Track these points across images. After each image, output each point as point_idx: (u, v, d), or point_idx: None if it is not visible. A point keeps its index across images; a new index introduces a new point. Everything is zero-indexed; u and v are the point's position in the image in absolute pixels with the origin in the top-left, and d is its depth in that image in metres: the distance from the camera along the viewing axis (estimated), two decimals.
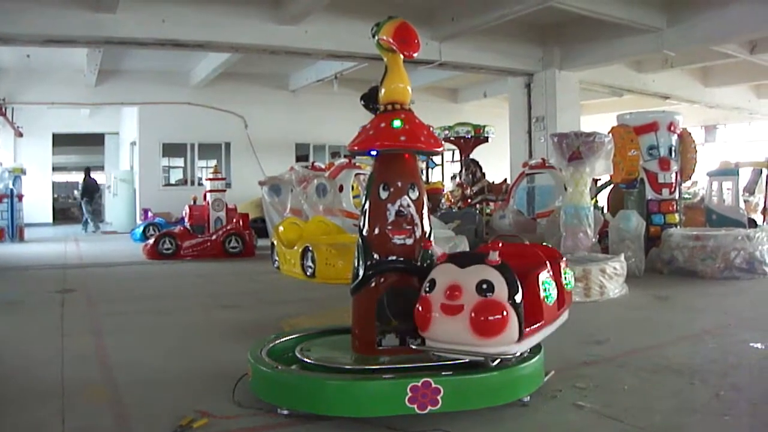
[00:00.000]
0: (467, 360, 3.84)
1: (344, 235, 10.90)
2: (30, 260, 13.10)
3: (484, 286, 3.74)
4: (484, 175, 16.34)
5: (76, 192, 30.31)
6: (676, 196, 11.24)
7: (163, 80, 20.48)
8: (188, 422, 3.68)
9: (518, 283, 3.78)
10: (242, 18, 13.22)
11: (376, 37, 4.28)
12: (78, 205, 23.69)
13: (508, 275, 3.78)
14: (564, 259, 4.66)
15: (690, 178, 12.20)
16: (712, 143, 29.12)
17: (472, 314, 3.68)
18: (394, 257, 4.22)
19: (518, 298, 3.74)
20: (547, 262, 4.31)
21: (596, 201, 12.71)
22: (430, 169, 19.16)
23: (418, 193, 4.28)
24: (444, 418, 3.70)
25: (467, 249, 10.54)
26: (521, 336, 3.74)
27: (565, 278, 4.48)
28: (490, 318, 3.67)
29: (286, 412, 3.81)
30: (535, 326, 3.95)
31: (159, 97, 20.48)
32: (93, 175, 22.97)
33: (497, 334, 3.70)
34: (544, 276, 4.11)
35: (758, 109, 23.72)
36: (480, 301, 3.71)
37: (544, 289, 4.06)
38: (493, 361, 3.80)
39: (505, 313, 3.68)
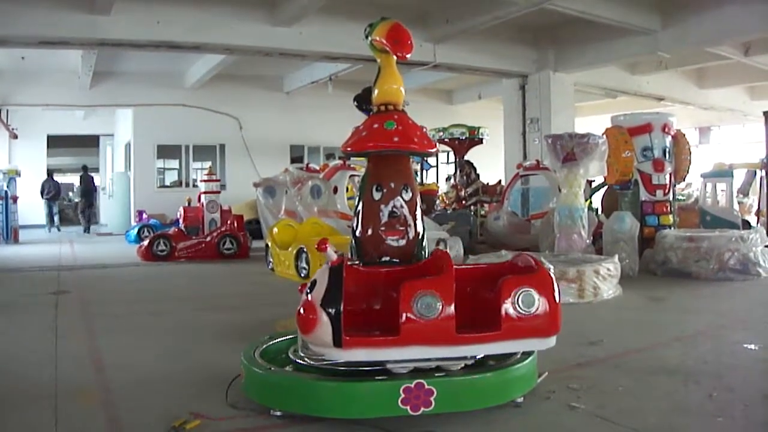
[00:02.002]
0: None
1: (338, 236, 10.89)
2: (24, 262, 13.06)
3: (311, 285, 3.83)
4: (478, 176, 16.34)
5: (70, 193, 30.27)
6: (670, 198, 11.28)
7: (157, 82, 20.44)
8: (181, 424, 3.68)
9: (340, 287, 3.74)
10: (237, 20, 13.21)
11: (369, 38, 4.28)
12: (73, 206, 23.68)
13: (334, 279, 3.78)
14: (541, 282, 4.00)
15: (684, 179, 12.23)
16: (707, 145, 29.16)
17: (299, 311, 3.80)
18: (387, 258, 4.21)
19: (334, 301, 3.70)
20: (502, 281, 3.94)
21: (590, 202, 12.72)
22: (424, 171, 19.15)
23: (411, 194, 4.28)
24: (437, 419, 3.70)
25: (461, 251, 10.58)
26: (339, 342, 3.66)
27: (518, 302, 3.86)
28: (302, 315, 3.76)
29: (279, 413, 3.81)
30: (384, 338, 3.72)
31: (153, 99, 20.44)
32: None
33: (307, 333, 3.77)
34: (426, 292, 3.69)
35: (752, 111, 23.71)
36: (303, 299, 3.81)
37: (421, 306, 3.66)
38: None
39: (312, 315, 3.70)
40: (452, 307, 3.69)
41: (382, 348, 3.73)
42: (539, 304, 3.86)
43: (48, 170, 23.36)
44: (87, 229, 22.09)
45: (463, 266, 4.47)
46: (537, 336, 3.93)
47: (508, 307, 3.81)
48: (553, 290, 3.96)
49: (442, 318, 3.68)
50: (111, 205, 23.21)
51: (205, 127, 21.28)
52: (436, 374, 3.77)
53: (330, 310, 3.69)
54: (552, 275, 4.05)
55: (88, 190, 22.91)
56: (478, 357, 4.01)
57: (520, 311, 3.82)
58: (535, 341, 3.96)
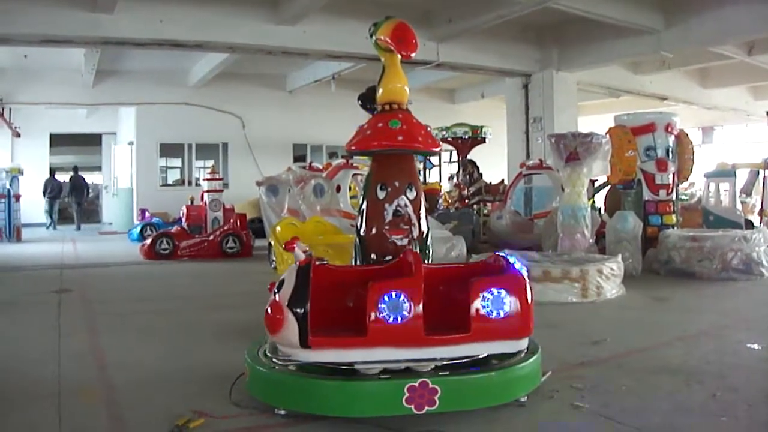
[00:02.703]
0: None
1: (341, 235, 10.89)
2: (27, 260, 13.07)
3: (279, 285, 3.86)
4: (481, 175, 16.35)
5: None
6: (674, 197, 11.26)
7: (160, 80, 20.43)
8: (185, 422, 3.68)
9: (307, 287, 3.76)
10: (240, 18, 13.20)
11: (374, 37, 4.29)
12: (68, 205, 23.85)
13: (301, 279, 3.79)
14: (512, 283, 3.91)
15: (687, 179, 12.21)
16: (710, 144, 29.11)
17: (266, 311, 3.86)
18: (391, 257, 4.21)
19: (300, 302, 3.72)
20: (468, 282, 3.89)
21: (593, 202, 12.71)
22: (427, 170, 19.15)
23: (415, 193, 4.29)
24: (441, 418, 3.70)
25: (464, 250, 10.57)
26: (306, 343, 3.69)
27: (487, 304, 3.81)
28: (269, 316, 3.81)
29: (283, 412, 3.81)
30: (350, 339, 3.76)
31: (156, 98, 20.44)
32: (90, 175, 23.07)
33: (274, 333, 3.82)
34: (392, 293, 3.69)
35: (755, 111, 23.69)
36: (271, 299, 3.84)
37: (390, 305, 3.68)
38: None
39: (279, 315, 3.74)
40: (420, 308, 3.68)
41: (350, 349, 3.75)
42: (509, 305, 3.82)
43: (50, 169, 23.42)
44: (78, 227, 22.57)
45: (438, 266, 4.36)
46: (508, 338, 3.90)
47: (477, 308, 3.78)
48: (525, 291, 3.91)
49: (409, 319, 3.68)
50: (115, 203, 23.23)
51: (208, 126, 21.28)
52: (441, 373, 3.77)
53: (296, 311, 3.72)
54: (525, 276, 4.01)
55: (79, 189, 23.24)
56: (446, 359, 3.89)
57: (490, 313, 3.79)
58: (505, 343, 3.93)
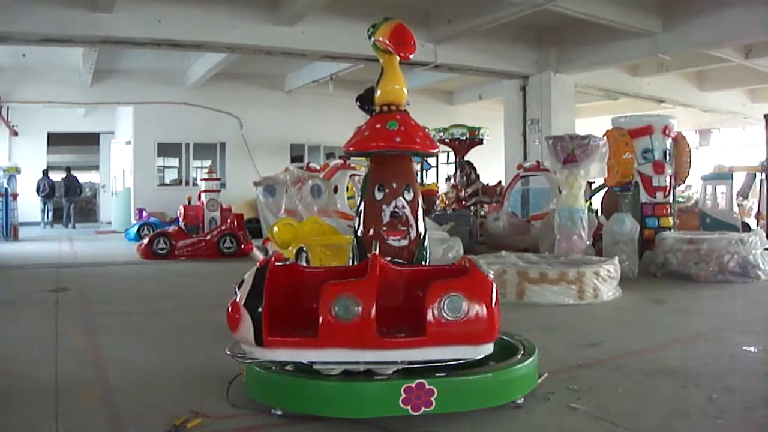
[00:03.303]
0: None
1: (339, 236, 10.88)
2: (24, 259, 13.06)
3: (239, 284, 3.89)
4: (478, 177, 16.35)
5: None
6: (671, 200, 11.28)
7: (158, 80, 20.45)
8: (182, 422, 3.68)
9: (262, 288, 3.79)
10: (238, 19, 13.21)
11: (372, 39, 4.29)
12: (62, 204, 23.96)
13: (258, 279, 3.84)
14: (471, 287, 3.82)
15: (684, 181, 12.22)
16: (707, 147, 29.16)
17: (227, 309, 3.89)
18: (389, 258, 4.22)
19: (256, 301, 3.76)
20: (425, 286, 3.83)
21: (590, 204, 12.73)
22: (424, 171, 19.15)
23: (413, 195, 4.29)
24: (438, 419, 3.70)
25: (461, 251, 10.57)
26: (261, 341, 3.73)
27: (444, 308, 3.71)
28: (228, 314, 3.84)
29: (280, 412, 3.81)
30: (302, 339, 3.78)
31: (154, 97, 20.46)
32: (87, 174, 23.14)
33: (233, 331, 3.85)
34: (345, 294, 3.70)
35: (752, 114, 23.72)
36: (232, 298, 3.87)
37: (339, 308, 3.67)
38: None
39: (237, 314, 3.79)
40: (372, 311, 3.66)
41: (303, 349, 3.77)
42: (468, 309, 3.70)
43: (44, 169, 23.42)
44: (73, 226, 23.09)
45: (404, 268, 4.24)
46: (467, 343, 3.77)
47: (434, 312, 3.69)
48: (487, 295, 3.80)
49: (361, 321, 3.65)
50: (114, 203, 23.26)
51: (206, 126, 21.30)
52: (437, 374, 3.78)
53: (252, 310, 3.75)
54: (489, 279, 3.91)
55: (72, 189, 23.59)
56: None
57: (447, 317, 3.69)
58: (465, 348, 3.78)
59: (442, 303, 3.69)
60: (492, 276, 3.98)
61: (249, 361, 3.93)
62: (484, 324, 3.77)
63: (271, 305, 3.81)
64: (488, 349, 3.87)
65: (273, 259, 4.06)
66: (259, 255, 4.03)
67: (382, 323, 3.71)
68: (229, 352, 4.09)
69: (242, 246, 13.52)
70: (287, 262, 4.25)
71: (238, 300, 3.82)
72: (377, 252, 4.09)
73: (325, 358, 3.76)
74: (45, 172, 23.22)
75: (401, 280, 4.13)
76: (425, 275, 4.09)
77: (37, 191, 22.67)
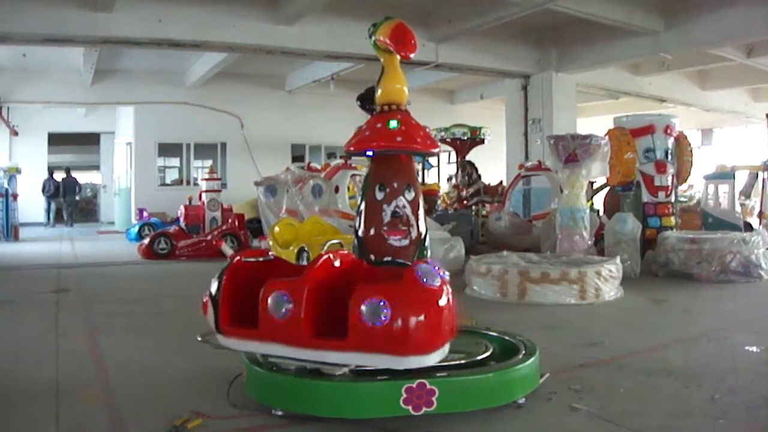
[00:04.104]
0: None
1: (340, 235, 10.88)
2: (25, 260, 13.06)
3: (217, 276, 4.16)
4: (480, 176, 16.34)
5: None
6: (672, 199, 11.26)
7: (159, 80, 20.45)
8: (183, 422, 3.68)
9: (221, 281, 4.07)
10: (239, 18, 13.20)
11: (373, 38, 4.27)
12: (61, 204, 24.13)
13: (220, 273, 4.13)
14: (398, 294, 3.62)
15: (686, 181, 12.21)
16: (709, 146, 29.13)
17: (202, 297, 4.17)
18: (389, 258, 4.20)
19: (217, 292, 4.06)
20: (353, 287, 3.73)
21: (592, 203, 12.71)
22: (426, 171, 19.14)
23: (414, 194, 4.27)
24: (439, 419, 3.69)
25: (462, 251, 10.58)
26: (218, 329, 4.04)
27: (364, 313, 3.57)
28: (203, 302, 4.14)
29: (280, 413, 3.80)
30: (246, 331, 3.94)
31: (155, 97, 20.45)
32: (88, 174, 23.28)
33: (204, 315, 4.13)
34: (279, 292, 3.78)
35: (754, 113, 23.71)
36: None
37: (272, 303, 3.77)
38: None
39: (205, 302, 4.11)
40: (304, 310, 3.69)
41: (249, 340, 3.94)
42: (389, 317, 3.52)
43: (49, 170, 23.58)
44: (71, 225, 23.43)
45: (349, 268, 4.14)
46: (389, 352, 3.57)
47: (356, 316, 3.59)
48: (419, 305, 3.58)
49: (292, 319, 3.71)
50: (117, 202, 23.31)
51: (207, 126, 21.28)
52: (438, 374, 3.76)
53: (214, 300, 4.04)
54: (427, 288, 3.64)
55: (71, 189, 23.93)
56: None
57: (367, 323, 3.56)
58: (387, 358, 3.60)
59: (363, 308, 3.57)
60: (435, 285, 3.68)
61: (216, 347, 4.14)
62: (411, 335, 3.54)
63: (237, 297, 4.02)
64: (411, 362, 3.62)
65: (241, 254, 4.30)
66: (229, 250, 4.16)
67: (329, 323, 3.72)
68: (200, 338, 4.30)
69: (242, 246, 13.54)
70: (261, 258, 4.32)
71: (208, 290, 4.10)
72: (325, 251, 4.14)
73: (267, 351, 3.91)
74: (50, 173, 23.55)
75: (344, 280, 3.99)
76: (370, 276, 4.00)
77: (43, 191, 23.12)
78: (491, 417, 3.79)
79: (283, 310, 3.74)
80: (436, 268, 3.79)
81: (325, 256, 4.02)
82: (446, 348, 3.78)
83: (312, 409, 3.73)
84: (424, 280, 3.65)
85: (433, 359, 3.65)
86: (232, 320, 4.02)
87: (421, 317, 3.55)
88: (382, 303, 3.54)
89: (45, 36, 12.34)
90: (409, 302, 3.57)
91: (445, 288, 3.72)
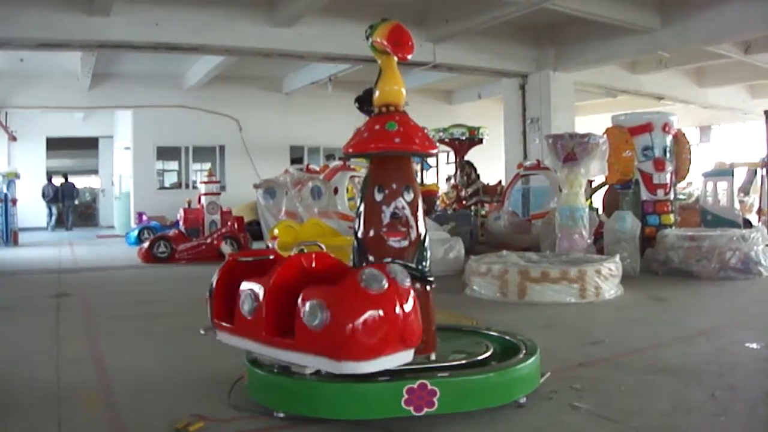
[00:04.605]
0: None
1: (339, 237, 10.88)
2: (24, 265, 13.06)
3: None
4: (478, 176, 16.35)
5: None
6: (671, 197, 11.27)
7: (156, 83, 20.44)
8: (184, 426, 3.68)
9: (215, 278, 4.34)
10: (236, 21, 13.19)
11: (370, 40, 4.27)
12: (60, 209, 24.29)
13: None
14: (336, 297, 3.59)
15: (685, 178, 12.24)
16: (707, 144, 29.13)
17: None
18: (389, 259, 4.21)
19: (210, 288, 4.34)
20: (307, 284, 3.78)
21: (591, 202, 12.72)
22: (425, 171, 19.14)
23: (413, 195, 4.27)
24: (440, 419, 3.70)
25: (462, 251, 10.59)
26: (212, 323, 4.33)
27: (304, 314, 3.59)
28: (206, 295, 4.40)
29: (282, 415, 3.81)
30: (229, 326, 4.16)
31: (153, 101, 20.44)
32: (87, 179, 23.40)
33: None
34: (246, 286, 3.98)
35: (753, 109, 23.71)
36: None
37: (242, 301, 3.98)
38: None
39: (205, 298, 4.38)
40: (264, 307, 3.82)
41: (230, 334, 4.15)
42: (327, 320, 3.50)
43: (48, 175, 23.69)
44: (70, 228, 23.75)
45: (314, 267, 4.11)
46: (324, 355, 3.54)
47: (300, 316, 3.61)
48: (355, 309, 3.49)
49: (256, 316, 3.88)
50: (117, 206, 23.35)
51: (205, 129, 21.30)
52: (439, 374, 3.77)
53: (210, 295, 4.32)
54: (367, 292, 3.55)
55: (69, 194, 24.22)
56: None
57: (307, 324, 3.57)
58: (323, 360, 3.57)
59: (304, 308, 3.59)
60: (377, 290, 3.56)
61: (214, 340, 4.34)
62: (346, 340, 3.47)
63: (230, 294, 4.16)
64: (352, 367, 3.52)
65: (236, 253, 4.57)
66: (228, 249, 4.39)
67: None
68: (202, 331, 4.44)
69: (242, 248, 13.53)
70: (262, 258, 4.45)
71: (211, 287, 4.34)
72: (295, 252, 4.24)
73: (242, 346, 4.07)
74: (50, 178, 23.74)
75: (309, 279, 3.97)
76: (336, 278, 3.93)
77: (43, 196, 23.31)
78: (492, 417, 3.79)
79: (248, 308, 3.93)
80: (396, 273, 3.72)
81: (293, 258, 4.08)
82: (402, 356, 3.65)
83: (313, 411, 3.73)
84: (365, 284, 3.57)
85: (372, 367, 3.53)
86: (223, 315, 4.23)
87: (357, 322, 3.46)
88: (319, 305, 3.53)
89: (41, 40, 12.33)
90: (344, 306, 3.51)
91: (393, 294, 3.60)
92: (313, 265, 4.09)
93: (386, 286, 3.59)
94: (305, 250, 4.22)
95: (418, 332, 3.67)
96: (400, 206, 4.22)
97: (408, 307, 3.63)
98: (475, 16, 13.71)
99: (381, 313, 3.51)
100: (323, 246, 4.37)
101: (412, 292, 3.72)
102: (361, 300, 3.52)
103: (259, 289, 3.88)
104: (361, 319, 3.46)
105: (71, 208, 24.50)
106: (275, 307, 3.81)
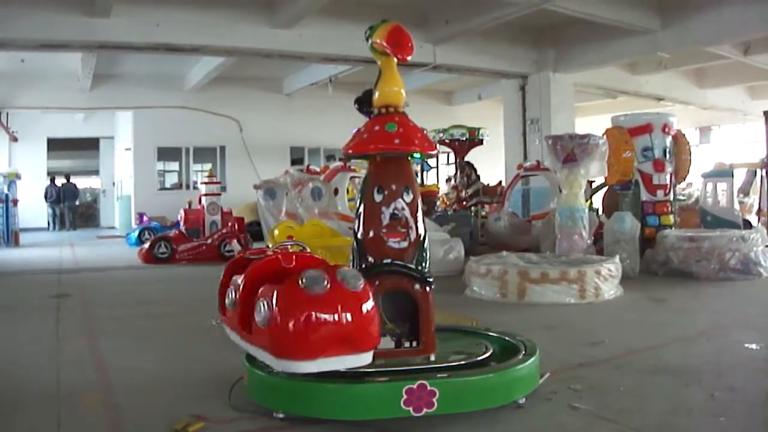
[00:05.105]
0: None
1: (339, 238, 10.89)
2: (25, 265, 13.06)
3: None
4: (478, 177, 16.35)
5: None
6: (671, 198, 11.27)
7: (157, 84, 20.45)
8: (184, 426, 3.69)
9: (223, 272, 4.48)
10: (236, 22, 13.21)
11: (370, 41, 4.28)
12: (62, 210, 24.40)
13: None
14: (278, 295, 3.62)
15: (684, 179, 12.23)
16: (707, 144, 29.12)
17: None
18: (389, 260, 4.21)
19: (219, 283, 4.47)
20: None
21: (591, 203, 12.73)
22: (425, 172, 19.14)
23: (412, 196, 4.28)
24: (439, 420, 3.70)
25: (462, 252, 10.59)
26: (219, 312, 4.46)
27: (256, 310, 3.71)
28: None
29: (281, 415, 3.81)
30: (224, 317, 4.38)
31: (153, 102, 20.46)
32: (87, 179, 23.46)
33: None
34: (234, 280, 4.22)
35: (752, 110, 23.71)
36: None
37: (228, 295, 4.26)
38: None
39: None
40: (239, 303, 3.99)
41: (224, 324, 4.37)
42: (268, 318, 3.59)
43: (51, 177, 23.84)
44: (72, 228, 24.10)
45: (292, 266, 4.10)
46: (270, 352, 3.64)
47: (255, 312, 3.73)
48: (289, 309, 3.54)
49: (234, 309, 4.09)
50: (119, 207, 23.39)
51: (205, 130, 21.31)
52: (439, 375, 3.78)
53: (219, 289, 4.45)
54: (305, 294, 3.56)
55: (71, 195, 24.56)
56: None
57: (255, 320, 3.71)
58: (268, 356, 3.67)
59: (256, 305, 3.72)
60: (315, 291, 3.56)
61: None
62: (282, 338, 3.54)
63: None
64: (288, 365, 3.59)
65: (243, 251, 4.66)
66: (238, 246, 4.43)
67: None
68: (213, 322, 4.68)
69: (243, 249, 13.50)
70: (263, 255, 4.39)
71: None
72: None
73: (231, 337, 4.22)
74: (52, 180, 23.95)
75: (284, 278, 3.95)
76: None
77: (45, 197, 23.50)
78: (492, 417, 3.79)
79: (230, 301, 4.19)
80: (344, 276, 3.69)
81: (270, 256, 4.17)
82: (351, 360, 3.65)
83: (313, 412, 3.74)
84: (304, 285, 3.59)
85: (311, 367, 3.56)
86: (225, 308, 4.39)
87: (293, 322, 3.50)
88: (264, 303, 3.63)
89: (42, 41, 12.35)
90: (282, 305, 3.55)
91: (335, 297, 3.59)
92: (293, 264, 4.09)
93: (327, 287, 3.59)
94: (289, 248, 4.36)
95: (369, 336, 3.66)
96: (399, 207, 4.23)
97: (356, 310, 3.61)
98: (475, 17, 13.72)
99: (320, 314, 3.52)
100: (306, 246, 4.42)
101: (365, 295, 3.69)
102: (298, 300, 3.55)
103: (239, 284, 4.04)
104: (298, 319, 3.50)
105: (73, 209, 24.63)
106: (247, 302, 3.89)
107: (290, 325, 3.50)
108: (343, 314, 3.54)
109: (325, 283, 3.58)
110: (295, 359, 3.55)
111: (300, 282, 3.59)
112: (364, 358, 3.68)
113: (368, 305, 3.66)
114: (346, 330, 3.55)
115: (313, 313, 3.50)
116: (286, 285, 3.64)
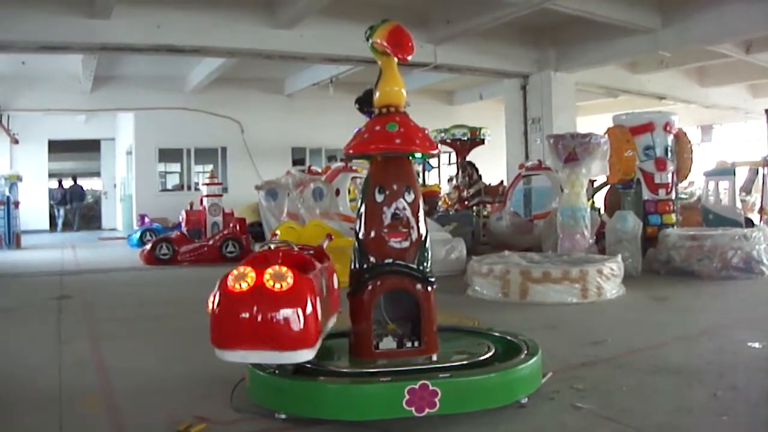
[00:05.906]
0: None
1: (341, 238, 10.89)
2: (27, 267, 13.07)
3: None
4: (480, 177, 16.34)
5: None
6: (673, 197, 11.26)
7: (158, 86, 20.47)
8: (186, 427, 3.68)
9: None
10: (237, 23, 13.22)
11: (370, 41, 4.28)
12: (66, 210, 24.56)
13: None
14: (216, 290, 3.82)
15: (686, 178, 12.22)
16: (709, 143, 29.12)
17: None
18: (390, 260, 4.21)
19: None
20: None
21: (593, 202, 12.72)
22: (426, 172, 19.14)
23: (413, 196, 4.28)
24: (442, 420, 3.70)
25: (464, 252, 10.59)
26: None
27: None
28: None
29: (283, 416, 3.80)
30: None
31: (154, 103, 20.48)
32: (89, 181, 23.59)
33: None
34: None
35: (754, 109, 23.70)
36: None
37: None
38: None
39: None
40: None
41: None
42: (211, 310, 3.82)
43: (59, 179, 24.11)
44: (76, 229, 24.48)
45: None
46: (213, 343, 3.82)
47: None
48: (216, 301, 3.77)
49: None
50: (122, 208, 23.46)
51: (207, 131, 21.32)
52: (441, 375, 3.77)
53: None
54: (223, 288, 3.74)
55: (77, 196, 25.05)
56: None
57: None
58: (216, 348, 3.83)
59: None
60: (238, 287, 3.70)
61: None
62: (213, 327, 3.82)
63: None
64: (219, 354, 3.79)
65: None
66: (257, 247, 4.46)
67: None
68: None
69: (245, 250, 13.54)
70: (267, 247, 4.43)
71: None
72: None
73: None
74: (59, 181, 24.40)
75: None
76: None
77: (51, 199, 23.92)
78: (494, 417, 3.79)
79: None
80: (272, 276, 3.70)
81: (257, 253, 4.23)
82: (270, 356, 3.67)
83: (315, 412, 3.73)
84: (230, 280, 3.72)
85: (228, 357, 3.73)
86: None
87: (216, 314, 3.76)
88: (213, 295, 3.79)
89: (42, 43, 12.37)
90: (213, 297, 3.78)
91: (253, 294, 3.64)
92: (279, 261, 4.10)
93: (247, 285, 3.68)
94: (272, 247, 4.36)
95: (287, 336, 3.61)
96: (401, 207, 4.23)
97: (272, 309, 3.61)
98: (476, 17, 13.73)
99: (234, 309, 3.67)
100: (294, 245, 4.42)
101: (289, 296, 3.65)
102: (221, 294, 3.73)
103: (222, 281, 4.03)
104: (219, 310, 3.73)
105: (78, 210, 24.80)
106: None
107: (214, 315, 3.76)
108: (256, 311, 3.61)
109: (248, 280, 3.69)
110: (220, 347, 3.77)
111: (228, 277, 3.73)
112: (291, 356, 3.66)
113: (292, 305, 3.62)
114: (257, 327, 3.62)
115: (230, 308, 3.68)
116: (221, 281, 3.77)
